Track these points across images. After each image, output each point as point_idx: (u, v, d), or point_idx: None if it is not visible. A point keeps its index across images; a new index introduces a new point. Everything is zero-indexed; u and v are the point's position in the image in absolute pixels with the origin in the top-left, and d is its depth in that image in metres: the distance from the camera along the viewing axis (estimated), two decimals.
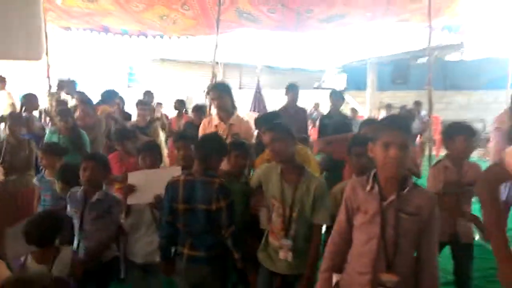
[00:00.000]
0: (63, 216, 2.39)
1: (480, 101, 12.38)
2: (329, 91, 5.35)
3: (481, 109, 11.96)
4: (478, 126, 10.76)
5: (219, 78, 13.32)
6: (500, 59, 11.21)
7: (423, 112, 9.04)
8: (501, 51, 11.82)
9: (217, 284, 2.28)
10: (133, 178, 2.61)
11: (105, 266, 2.45)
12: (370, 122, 3.34)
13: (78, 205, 2.49)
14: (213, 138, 2.47)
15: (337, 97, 5.00)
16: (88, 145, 4.20)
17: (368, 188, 1.72)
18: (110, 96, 5.46)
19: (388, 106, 8.82)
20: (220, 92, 3.49)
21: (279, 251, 2.22)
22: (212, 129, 3.51)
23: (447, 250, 2.81)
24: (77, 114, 4.67)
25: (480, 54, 12.94)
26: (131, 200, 2.56)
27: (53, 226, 2.16)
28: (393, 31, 10.16)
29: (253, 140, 3.59)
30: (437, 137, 9.20)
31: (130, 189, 2.58)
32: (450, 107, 12.66)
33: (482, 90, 12.57)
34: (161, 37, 8.47)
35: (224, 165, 2.67)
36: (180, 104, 6.45)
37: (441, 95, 12.56)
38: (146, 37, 8.46)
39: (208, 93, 4.92)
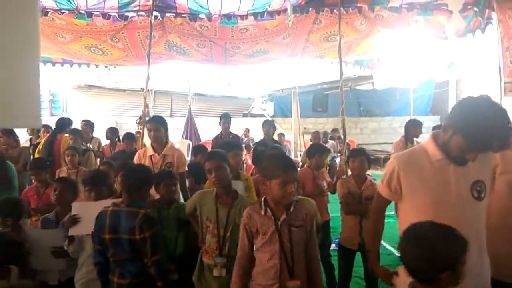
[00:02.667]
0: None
1: (389, 127, 13.94)
2: (258, 118, 5.97)
3: (390, 133, 13.45)
4: (386, 148, 12.10)
5: (150, 106, 13.33)
6: (404, 89, 12.86)
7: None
8: (405, 82, 13.56)
9: None
10: (76, 208, 2.67)
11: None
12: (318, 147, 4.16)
13: (52, 227, 2.67)
14: (139, 169, 2.64)
15: (269, 125, 5.63)
16: (16, 176, 4.14)
17: (262, 212, 2.05)
18: (63, 126, 5.42)
19: (325, 134, 9.41)
20: (157, 125, 3.75)
21: (213, 269, 2.45)
22: (147, 160, 3.74)
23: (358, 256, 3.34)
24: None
25: (388, 84, 14.66)
26: (73, 231, 2.62)
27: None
28: (314, 64, 11.22)
29: (186, 168, 3.88)
30: None
31: (74, 220, 2.63)
32: (364, 132, 14.07)
33: (390, 116, 14.18)
34: (87, 65, 8.38)
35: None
36: (112, 133, 6.47)
37: (356, 121, 13.95)
38: (71, 65, 8.32)
39: (142, 123, 5.15)
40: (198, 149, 4.86)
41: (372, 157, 13.27)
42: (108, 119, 12.60)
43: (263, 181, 2.07)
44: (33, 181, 3.78)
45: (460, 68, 10.56)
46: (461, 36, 5.86)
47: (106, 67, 9.42)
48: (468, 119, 1.62)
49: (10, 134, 4.94)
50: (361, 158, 3.40)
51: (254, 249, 2.09)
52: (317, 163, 3.87)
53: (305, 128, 13.10)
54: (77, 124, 6.78)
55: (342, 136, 9.31)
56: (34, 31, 0.79)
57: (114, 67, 8.96)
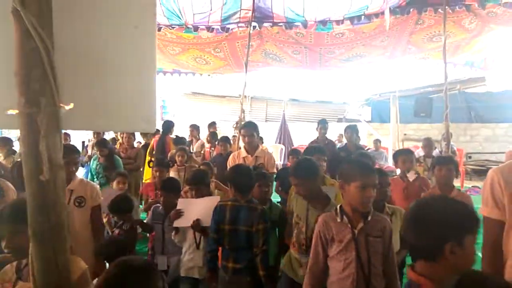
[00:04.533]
0: None
1: (505, 134, 12.34)
2: (353, 123, 5.81)
3: (505, 142, 11.90)
4: (501, 158, 10.71)
5: (246, 111, 13.97)
6: None
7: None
8: None
9: None
10: (181, 204, 3.01)
11: None
12: (403, 152, 3.86)
13: (160, 218, 3.09)
14: (248, 170, 2.86)
15: (352, 131, 5.44)
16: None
17: (338, 219, 1.99)
18: (169, 128, 6.18)
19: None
20: (251, 131, 4.06)
21: (300, 262, 2.53)
22: (240, 161, 4.01)
23: None
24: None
25: (504, 86, 13.01)
26: (177, 223, 2.95)
27: None
28: (416, 67, 10.52)
29: (275, 169, 4.07)
30: (461, 168, 9.28)
31: (178, 213, 2.96)
32: (475, 139, 12.65)
33: (507, 123, 12.54)
34: (193, 74, 9.20)
35: None
36: (212, 137, 6.99)
37: (466, 127, 12.63)
38: (179, 75, 9.23)
39: (238, 128, 5.51)
40: (293, 152, 5.11)
41: (483, 168, 11.86)
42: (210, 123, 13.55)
43: (342, 185, 2.01)
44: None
45: None
46: None
47: (208, 75, 10.21)
48: None
49: (130, 137, 5.72)
50: (449, 166, 3.12)
51: (329, 257, 2.03)
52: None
53: (405, 134, 12.34)
54: (184, 127, 7.54)
55: (446, 144, 8.59)
56: (152, 50, 0.97)
57: (216, 75, 9.68)
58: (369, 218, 1.99)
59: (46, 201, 0.88)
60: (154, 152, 6.05)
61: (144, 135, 7.82)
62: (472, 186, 9.46)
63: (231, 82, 14.24)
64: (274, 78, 13.16)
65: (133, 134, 5.83)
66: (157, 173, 4.09)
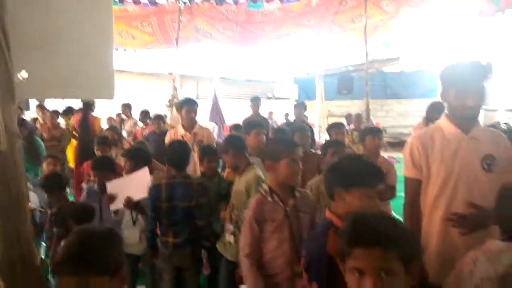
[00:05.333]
0: None
1: (416, 109, 13.71)
2: (282, 101, 6.09)
3: (416, 116, 13.24)
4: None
5: (177, 90, 13.58)
6: (432, 71, 12.58)
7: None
8: (433, 64, 13.26)
9: (196, 264, 2.74)
10: (111, 187, 2.93)
11: None
12: (336, 126, 4.16)
13: (96, 196, 2.97)
14: (182, 146, 2.87)
15: (300, 107, 5.74)
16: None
17: (270, 199, 1.98)
18: (90, 105, 5.83)
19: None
20: (194, 107, 4.07)
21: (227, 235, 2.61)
22: (179, 138, 3.98)
23: None
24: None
25: (416, 66, 14.36)
26: (114, 206, 2.89)
27: None
28: (340, 47, 11.12)
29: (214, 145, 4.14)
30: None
31: (111, 198, 2.89)
32: (390, 115, 13.89)
33: (418, 98, 13.92)
34: (116, 49, 8.71)
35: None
36: (144, 115, 6.77)
37: (382, 103, 13.78)
38: None
39: (172, 106, 5.42)
40: (235, 128, 5.17)
41: (397, 140, 13.06)
42: (137, 101, 13.00)
43: (270, 165, 2.00)
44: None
45: (490, 50, 10.24)
46: (489, 16, 5.74)
47: (134, 51, 9.73)
48: (449, 69, 1.91)
49: (53, 117, 5.31)
50: (379, 135, 3.50)
51: (263, 238, 1.99)
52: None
53: (329, 110, 13.07)
54: (112, 106, 7.19)
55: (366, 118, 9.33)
56: (109, 18, 0.97)
57: (142, 51, 9.27)
58: (297, 194, 2.04)
59: (5, 172, 0.85)
60: (76, 132, 5.71)
61: (65, 115, 7.31)
62: (388, 156, 10.45)
63: (158, 59, 13.73)
64: (204, 56, 12.98)
65: (56, 114, 5.40)
66: (99, 152, 3.88)
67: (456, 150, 1.89)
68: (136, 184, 2.81)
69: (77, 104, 7.97)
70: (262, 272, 1.97)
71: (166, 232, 2.70)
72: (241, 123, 5.46)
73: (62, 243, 1.15)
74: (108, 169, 3.17)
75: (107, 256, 1.14)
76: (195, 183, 2.67)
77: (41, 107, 7.16)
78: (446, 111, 2.02)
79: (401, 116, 13.89)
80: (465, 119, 1.90)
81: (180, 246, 2.66)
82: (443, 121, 1.98)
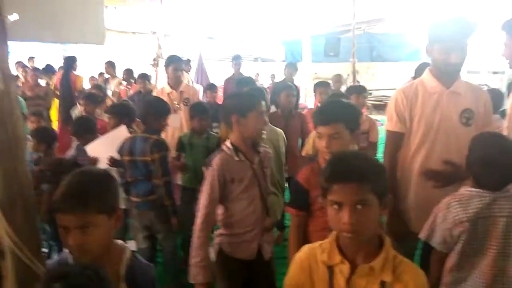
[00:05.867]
0: None
1: (401, 72, 13.78)
2: (269, 62, 6.06)
3: (401, 79, 13.32)
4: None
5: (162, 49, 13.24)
6: (417, 33, 12.53)
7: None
8: (418, 25, 13.17)
9: (163, 226, 2.69)
10: (91, 150, 2.90)
11: None
12: (322, 84, 4.16)
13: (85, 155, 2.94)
14: (154, 101, 2.88)
15: (291, 68, 5.72)
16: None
17: (236, 158, 1.90)
18: (72, 64, 5.67)
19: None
20: (181, 65, 4.03)
21: None
22: (165, 97, 3.95)
23: None
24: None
25: (402, 28, 14.24)
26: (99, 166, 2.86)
27: None
28: (327, 8, 10.92)
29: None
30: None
31: (94, 162, 2.86)
32: (376, 77, 13.93)
33: (403, 61, 13.94)
34: None
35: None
36: (128, 74, 6.64)
37: (368, 65, 13.77)
38: None
39: (156, 65, 5.34)
40: (211, 87, 5.14)
41: (381, 103, 13.20)
42: (121, 61, 12.66)
43: (237, 119, 1.90)
44: None
45: (475, 12, 10.23)
46: None
47: (114, 7, 9.36)
48: (436, 25, 1.98)
49: (35, 74, 5.16)
50: (364, 94, 3.59)
51: (227, 200, 1.94)
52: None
53: (315, 73, 13.02)
54: (93, 66, 7.01)
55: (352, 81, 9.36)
56: None
57: (122, 7, 8.93)
58: (260, 150, 2.01)
59: (2, 111, 0.87)
60: (58, 91, 5.60)
61: (45, 73, 7.11)
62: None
63: (140, 17, 13.25)
64: (189, 15, 12.58)
65: (38, 71, 5.25)
66: (85, 108, 3.82)
67: (436, 103, 1.97)
68: (114, 142, 2.79)
69: (57, 63, 7.74)
70: (231, 231, 1.96)
71: (130, 191, 2.72)
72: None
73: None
74: (88, 133, 3.12)
75: (105, 195, 1.19)
76: (152, 138, 2.63)
77: (20, 64, 6.94)
78: (429, 66, 2.07)
79: (386, 79, 13.96)
80: (447, 74, 1.96)
81: (142, 207, 2.68)
82: (426, 76, 2.04)
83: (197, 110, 3.30)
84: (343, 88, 8.29)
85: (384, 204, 1.14)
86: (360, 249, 1.14)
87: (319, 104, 4.05)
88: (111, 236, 1.26)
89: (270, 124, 2.73)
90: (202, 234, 1.88)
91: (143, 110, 2.75)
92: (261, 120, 1.91)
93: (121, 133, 2.85)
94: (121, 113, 3.12)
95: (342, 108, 1.76)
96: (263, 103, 1.96)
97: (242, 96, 2.08)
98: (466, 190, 1.62)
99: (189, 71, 7.02)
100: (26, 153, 0.97)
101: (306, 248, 1.29)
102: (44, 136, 2.98)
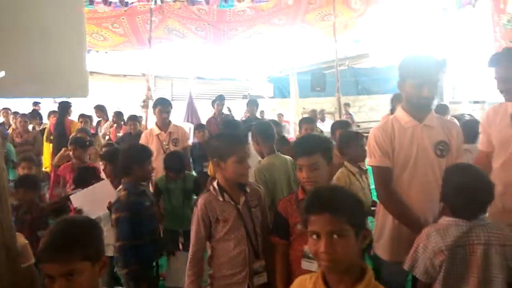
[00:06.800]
0: None
1: (387, 104, 14.11)
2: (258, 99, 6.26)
3: (388, 110, 13.62)
4: None
5: (151, 91, 13.48)
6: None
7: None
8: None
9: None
10: (75, 201, 2.89)
11: None
12: (341, 124, 4.08)
13: None
14: (124, 152, 2.75)
15: (252, 105, 5.91)
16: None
17: (221, 199, 1.92)
18: (66, 109, 5.83)
19: (321, 112, 10.18)
20: (168, 106, 4.09)
21: None
22: (154, 139, 4.03)
23: None
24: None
25: (386, 62, 14.76)
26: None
27: None
28: (313, 45, 11.33)
29: (190, 143, 4.23)
30: None
31: (79, 212, 2.82)
32: (362, 110, 14.24)
33: (389, 94, 14.31)
34: (88, 52, 8.59)
35: None
36: (118, 116, 6.72)
37: (354, 99, 14.11)
38: None
39: (146, 106, 5.45)
40: (199, 127, 5.42)
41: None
42: (111, 103, 12.82)
43: (217, 163, 1.92)
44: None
45: (455, 44, 10.71)
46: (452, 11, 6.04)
47: (106, 52, 9.62)
48: (407, 61, 2.07)
49: (25, 121, 5.23)
50: (346, 129, 3.67)
51: (214, 239, 1.94)
52: None
53: (303, 108, 13.28)
54: (85, 108, 7.11)
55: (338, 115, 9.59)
56: (81, 17, 1.04)
57: (113, 52, 9.18)
58: (248, 189, 2.00)
59: None
60: (52, 137, 5.65)
61: (35, 121, 7.18)
62: None
63: (130, 60, 13.57)
64: (178, 56, 12.91)
65: (28, 117, 5.32)
66: (74, 153, 3.81)
67: (412, 137, 2.05)
68: (97, 197, 2.81)
69: (45, 108, 7.85)
70: (220, 273, 1.94)
71: None
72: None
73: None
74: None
75: (88, 242, 1.21)
76: (119, 194, 2.50)
77: (6, 110, 7.01)
78: (401, 103, 2.18)
79: (373, 111, 14.27)
80: (420, 108, 2.06)
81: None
82: (398, 112, 2.14)
83: (170, 161, 3.31)
84: (329, 122, 8.49)
85: (363, 236, 1.18)
86: (342, 279, 1.17)
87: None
88: (97, 283, 1.27)
89: (278, 153, 2.89)
90: (190, 272, 1.93)
91: (125, 160, 2.61)
92: (241, 165, 1.89)
93: (104, 188, 2.83)
94: (116, 159, 2.99)
95: (319, 139, 1.90)
96: (245, 146, 1.98)
97: (223, 140, 2.02)
98: (444, 220, 1.67)
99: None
100: (8, 205, 1.00)
101: (298, 279, 1.35)
102: (31, 183, 2.97)
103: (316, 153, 1.81)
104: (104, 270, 1.29)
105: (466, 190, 1.61)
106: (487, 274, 1.57)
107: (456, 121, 2.95)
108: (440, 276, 1.62)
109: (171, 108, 4.13)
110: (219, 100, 5.99)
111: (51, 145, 5.69)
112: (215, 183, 1.98)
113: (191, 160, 4.60)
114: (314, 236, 1.16)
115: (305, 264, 1.77)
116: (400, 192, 2.06)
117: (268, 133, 2.90)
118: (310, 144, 1.87)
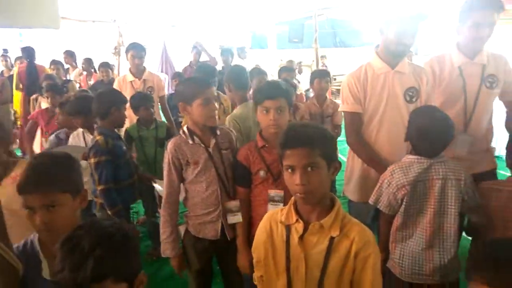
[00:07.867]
0: None
1: (363, 56, 14.14)
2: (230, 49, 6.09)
3: (363, 62, 13.68)
4: None
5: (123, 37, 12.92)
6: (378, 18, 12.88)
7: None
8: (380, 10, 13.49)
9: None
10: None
11: None
12: (321, 73, 4.12)
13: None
14: (99, 95, 2.64)
15: (227, 54, 5.75)
16: None
17: (190, 142, 1.94)
18: (33, 54, 5.60)
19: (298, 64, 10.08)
20: (141, 52, 3.92)
21: None
22: (128, 86, 3.95)
23: None
24: None
25: (364, 14, 14.56)
26: None
27: None
28: None
29: (165, 92, 4.16)
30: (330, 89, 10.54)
31: None
32: (340, 63, 14.22)
33: (364, 46, 14.30)
34: None
35: None
36: (88, 64, 6.48)
37: (332, 51, 14.04)
38: None
39: (118, 53, 5.26)
40: (177, 75, 5.27)
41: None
42: (81, 50, 12.23)
43: (184, 107, 1.93)
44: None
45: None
46: None
47: None
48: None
49: None
50: (326, 79, 3.74)
51: (186, 181, 1.99)
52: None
53: (281, 60, 13.15)
54: (55, 55, 6.81)
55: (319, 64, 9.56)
56: None
57: None
58: (218, 132, 2.01)
59: None
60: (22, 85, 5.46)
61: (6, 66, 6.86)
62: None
63: (99, 5, 12.80)
64: (151, 2, 12.25)
65: None
66: (49, 99, 3.70)
67: (383, 83, 2.13)
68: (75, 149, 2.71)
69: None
70: (195, 212, 2.01)
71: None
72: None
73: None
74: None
75: (68, 175, 1.25)
76: (95, 139, 2.48)
77: None
78: (375, 49, 2.23)
79: (349, 64, 14.29)
80: (395, 55, 2.12)
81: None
82: (373, 59, 2.20)
83: (140, 100, 3.23)
84: (307, 73, 8.47)
85: (334, 168, 1.27)
86: (313, 209, 1.28)
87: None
88: (77, 216, 1.32)
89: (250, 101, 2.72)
90: (165, 212, 2.00)
91: (102, 104, 2.54)
92: (206, 107, 1.89)
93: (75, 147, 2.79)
94: (75, 111, 2.90)
95: (283, 84, 1.97)
96: (210, 89, 1.95)
97: (188, 84, 2.03)
98: (408, 157, 1.80)
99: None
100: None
101: (268, 213, 1.44)
102: None
103: (281, 97, 1.87)
104: (84, 204, 1.33)
105: (429, 132, 1.73)
106: (443, 205, 1.73)
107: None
108: (401, 209, 1.78)
109: (145, 53, 3.97)
110: (195, 48, 5.83)
111: (21, 93, 5.50)
112: (185, 127, 2.01)
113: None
114: (289, 170, 1.23)
115: (271, 208, 1.84)
116: (370, 136, 2.18)
117: (241, 80, 2.71)
118: (276, 87, 1.93)
